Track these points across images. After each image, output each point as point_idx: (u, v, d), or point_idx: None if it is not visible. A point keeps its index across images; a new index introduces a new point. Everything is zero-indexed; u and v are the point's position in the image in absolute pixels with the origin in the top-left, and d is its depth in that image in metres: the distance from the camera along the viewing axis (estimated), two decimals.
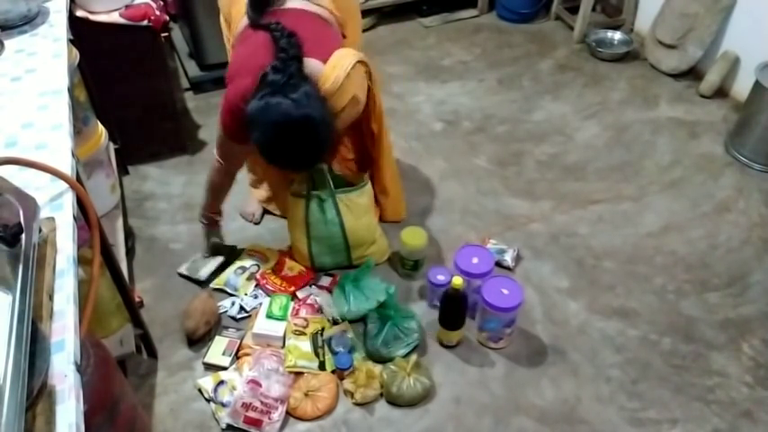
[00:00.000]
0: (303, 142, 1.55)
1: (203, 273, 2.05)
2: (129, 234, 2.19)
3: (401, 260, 2.08)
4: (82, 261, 1.20)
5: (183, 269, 2.08)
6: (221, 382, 1.73)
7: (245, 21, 1.65)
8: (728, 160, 2.60)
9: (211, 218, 2.05)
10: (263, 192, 2.29)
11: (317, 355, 1.80)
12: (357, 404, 1.73)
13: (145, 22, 2.12)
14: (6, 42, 1.59)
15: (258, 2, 1.63)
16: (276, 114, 1.49)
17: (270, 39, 1.56)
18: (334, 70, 1.60)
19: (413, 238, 2.02)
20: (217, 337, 1.87)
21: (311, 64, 1.58)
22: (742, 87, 2.78)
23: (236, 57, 1.66)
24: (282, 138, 1.53)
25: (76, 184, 1.16)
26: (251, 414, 1.64)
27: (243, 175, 2.33)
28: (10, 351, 0.75)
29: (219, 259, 2.08)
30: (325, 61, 1.61)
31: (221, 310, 1.96)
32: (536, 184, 2.48)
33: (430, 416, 1.72)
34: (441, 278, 1.92)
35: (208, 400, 1.73)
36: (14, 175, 1.14)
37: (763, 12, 2.67)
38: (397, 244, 2.09)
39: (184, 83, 3.03)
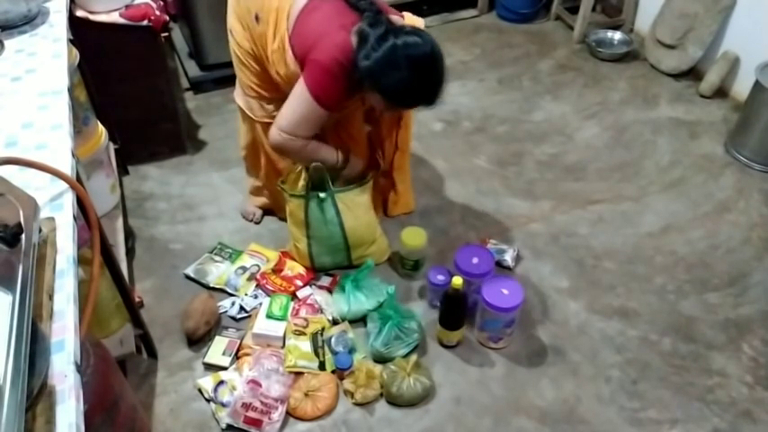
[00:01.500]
0: (438, 73, 1.60)
1: (211, 278, 2.05)
2: (129, 234, 2.19)
3: (401, 260, 2.08)
4: (82, 261, 1.20)
5: (190, 271, 2.08)
6: (221, 382, 1.73)
7: None
8: (728, 160, 2.60)
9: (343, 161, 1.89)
10: (263, 199, 2.28)
11: (317, 355, 1.80)
12: (357, 404, 1.73)
13: (145, 22, 2.12)
14: (6, 42, 1.58)
15: None
16: (409, 50, 1.53)
17: (341, 3, 1.62)
18: (414, 22, 1.70)
19: (413, 238, 2.02)
20: (217, 337, 1.87)
21: (392, 18, 1.64)
22: (742, 87, 2.78)
23: (314, 23, 1.63)
24: (421, 72, 1.57)
25: (76, 184, 1.16)
26: (251, 414, 1.64)
27: (243, 175, 2.33)
28: (10, 351, 0.75)
29: (227, 265, 2.09)
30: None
31: (221, 310, 1.96)
32: (536, 184, 2.48)
33: (430, 416, 1.72)
34: (441, 278, 1.92)
35: (208, 400, 1.73)
36: (14, 175, 1.14)
37: (763, 12, 2.68)
38: (397, 244, 2.09)
39: (184, 83, 3.03)
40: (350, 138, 2.00)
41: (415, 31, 1.59)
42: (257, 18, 1.71)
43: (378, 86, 1.59)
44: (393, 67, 1.54)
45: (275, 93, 1.88)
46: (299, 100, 1.66)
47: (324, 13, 1.62)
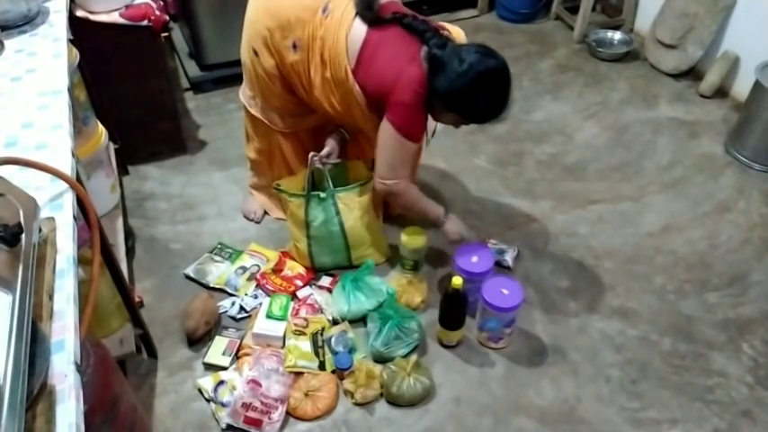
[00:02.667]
0: (511, 86, 1.63)
1: (211, 278, 2.05)
2: (129, 234, 2.19)
3: (401, 260, 2.08)
4: (82, 261, 1.20)
5: (190, 271, 2.08)
6: (221, 382, 1.73)
7: (360, 29, 1.65)
8: (728, 160, 2.60)
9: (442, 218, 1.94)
10: (264, 197, 2.29)
11: (317, 355, 1.80)
12: (357, 404, 1.73)
13: (145, 22, 2.12)
14: (6, 42, 1.58)
15: (371, 1, 1.67)
16: (486, 69, 1.57)
17: (399, 30, 1.64)
18: (459, 35, 1.75)
19: (413, 238, 2.02)
20: (217, 337, 1.87)
21: (444, 33, 1.67)
22: (742, 87, 2.78)
23: (384, 62, 1.64)
24: (499, 88, 1.61)
25: (76, 184, 1.16)
26: (251, 414, 1.64)
27: (243, 174, 2.33)
28: (10, 351, 0.75)
29: (227, 265, 2.09)
30: None
31: (221, 310, 1.96)
32: (536, 184, 2.48)
33: (430, 416, 1.72)
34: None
35: (208, 400, 1.73)
36: (14, 175, 1.14)
37: (763, 12, 2.68)
38: (397, 243, 2.09)
39: (184, 83, 3.03)
40: (367, 141, 2.02)
41: (482, 47, 1.60)
42: (295, 46, 1.72)
43: (458, 107, 1.63)
44: (474, 88, 1.57)
45: (300, 108, 1.90)
46: (391, 146, 1.70)
47: (389, 48, 1.64)
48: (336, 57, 1.68)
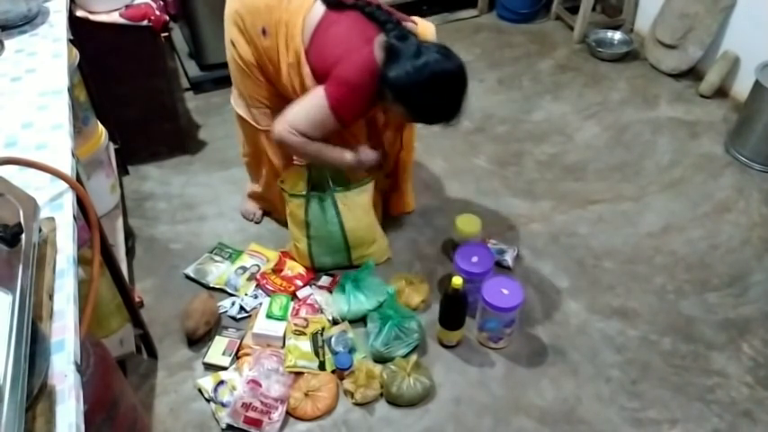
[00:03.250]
0: (465, 92, 1.63)
1: (211, 278, 2.05)
2: (129, 234, 2.19)
3: (454, 247, 2.07)
4: (82, 261, 1.20)
5: (190, 271, 2.08)
6: (221, 382, 1.73)
7: (318, 10, 1.65)
8: (728, 160, 2.60)
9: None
10: (259, 203, 2.29)
11: (317, 355, 1.80)
12: (357, 404, 1.73)
13: (145, 22, 2.12)
14: (6, 42, 1.58)
15: None
16: (442, 70, 1.55)
17: (359, 15, 1.62)
18: (426, 29, 1.74)
19: (467, 225, 2.03)
20: (217, 337, 1.87)
21: (409, 25, 1.66)
22: (742, 87, 2.78)
23: (335, 39, 1.63)
24: (451, 91, 1.60)
25: (76, 184, 1.16)
26: (251, 414, 1.64)
27: (243, 175, 2.33)
28: (10, 351, 0.75)
29: (227, 265, 2.09)
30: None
31: (221, 310, 1.96)
32: (536, 184, 2.48)
33: (430, 416, 1.72)
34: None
35: (208, 400, 1.73)
36: (14, 175, 1.14)
37: (763, 12, 2.67)
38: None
39: (184, 83, 3.03)
40: (351, 136, 2.00)
41: (443, 48, 1.59)
42: (264, 32, 1.71)
43: (406, 102, 1.61)
44: (425, 86, 1.56)
45: (283, 104, 1.89)
46: (315, 106, 1.65)
47: (344, 28, 1.62)
48: (292, 39, 1.66)
